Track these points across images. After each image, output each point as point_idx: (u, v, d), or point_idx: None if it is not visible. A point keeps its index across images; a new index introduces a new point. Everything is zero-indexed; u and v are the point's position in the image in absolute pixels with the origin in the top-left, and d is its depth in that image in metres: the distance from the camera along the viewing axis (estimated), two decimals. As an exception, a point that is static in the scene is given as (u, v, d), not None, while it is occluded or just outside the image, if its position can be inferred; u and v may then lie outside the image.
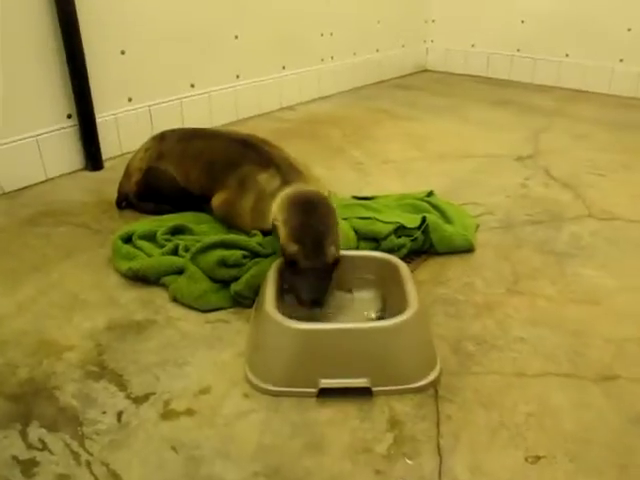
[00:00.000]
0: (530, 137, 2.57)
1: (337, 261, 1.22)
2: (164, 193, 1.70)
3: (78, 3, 1.91)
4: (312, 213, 1.25)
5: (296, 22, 2.94)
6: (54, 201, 1.86)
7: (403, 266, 1.25)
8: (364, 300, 1.31)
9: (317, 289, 1.18)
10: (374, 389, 1.05)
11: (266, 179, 1.47)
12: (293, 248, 1.20)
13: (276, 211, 1.31)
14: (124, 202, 1.80)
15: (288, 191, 1.35)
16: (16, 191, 1.93)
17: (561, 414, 1.02)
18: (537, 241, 1.64)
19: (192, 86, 2.49)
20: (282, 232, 1.25)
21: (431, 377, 1.08)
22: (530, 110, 3.02)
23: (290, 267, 1.22)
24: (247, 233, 1.50)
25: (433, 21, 3.94)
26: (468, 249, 1.57)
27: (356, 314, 1.27)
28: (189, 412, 1.03)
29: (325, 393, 1.05)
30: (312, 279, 1.18)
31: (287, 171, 1.47)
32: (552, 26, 3.45)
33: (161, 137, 1.75)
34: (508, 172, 2.15)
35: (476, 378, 1.11)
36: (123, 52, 2.17)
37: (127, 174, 1.78)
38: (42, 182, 2.00)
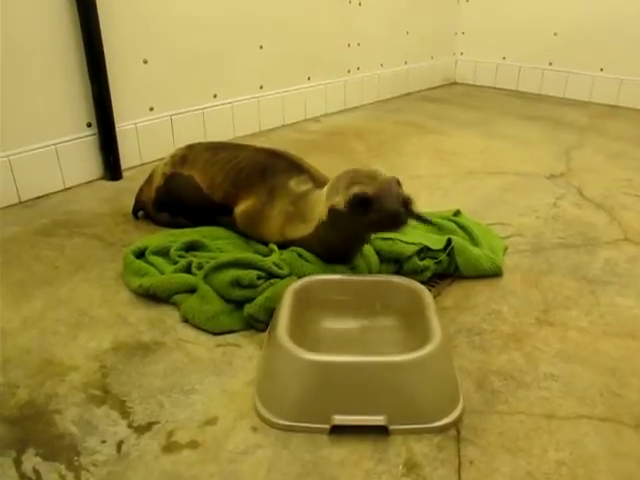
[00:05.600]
0: (562, 154, 2.47)
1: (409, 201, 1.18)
2: (184, 201, 1.65)
3: (101, 12, 1.88)
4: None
5: (322, 32, 2.89)
6: (70, 211, 1.82)
7: (426, 293, 1.18)
8: (385, 329, 1.23)
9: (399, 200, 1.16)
10: (391, 427, 0.98)
11: (296, 183, 1.45)
12: (357, 188, 1.17)
13: (329, 191, 1.28)
14: (140, 211, 1.76)
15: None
16: (33, 200, 1.90)
17: (596, 463, 0.93)
18: (569, 266, 1.54)
19: (215, 96, 2.45)
20: (341, 190, 1.21)
21: (453, 416, 1.00)
22: (562, 126, 2.92)
23: (359, 213, 1.18)
24: (266, 244, 1.45)
25: (463, 33, 3.86)
26: (496, 273, 1.48)
27: (375, 344, 1.19)
28: (193, 445, 0.97)
29: (338, 430, 0.98)
30: (390, 200, 1.15)
31: (319, 178, 1.45)
32: (586, 39, 3.35)
33: (189, 146, 1.72)
34: (539, 191, 2.06)
35: (501, 418, 1.03)
36: (145, 61, 2.14)
37: (149, 180, 1.74)
38: (60, 191, 1.97)
